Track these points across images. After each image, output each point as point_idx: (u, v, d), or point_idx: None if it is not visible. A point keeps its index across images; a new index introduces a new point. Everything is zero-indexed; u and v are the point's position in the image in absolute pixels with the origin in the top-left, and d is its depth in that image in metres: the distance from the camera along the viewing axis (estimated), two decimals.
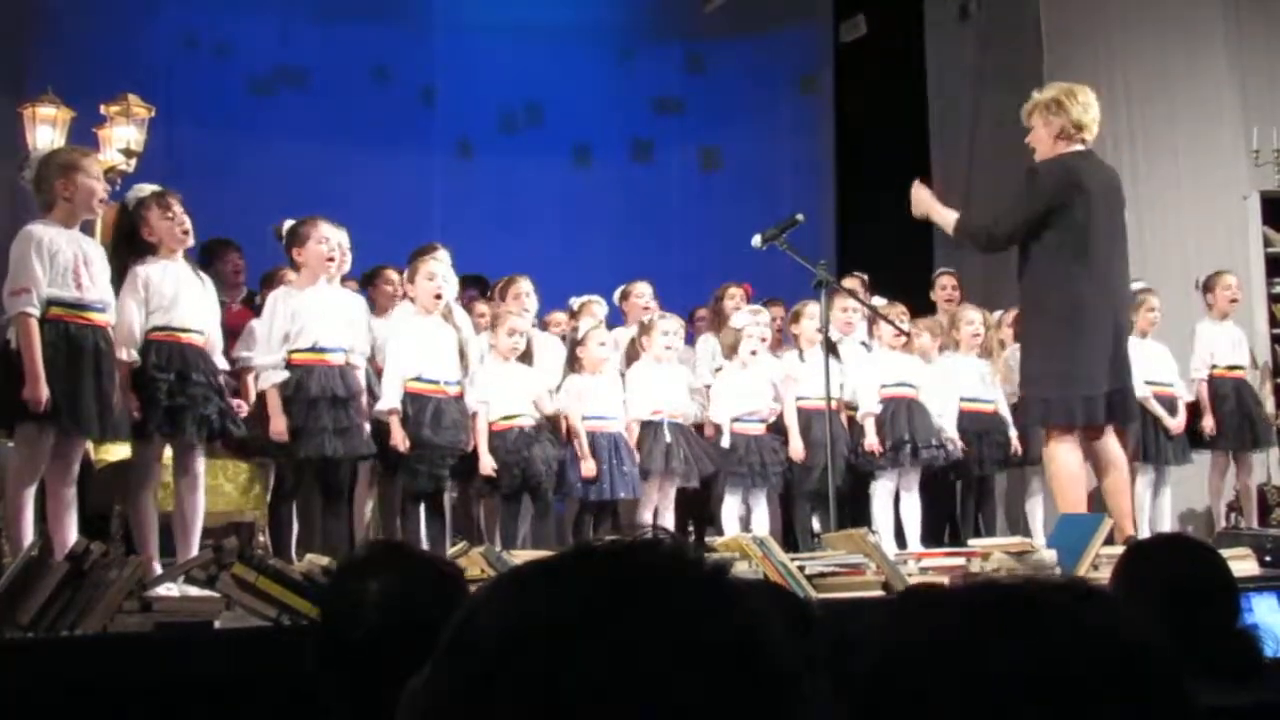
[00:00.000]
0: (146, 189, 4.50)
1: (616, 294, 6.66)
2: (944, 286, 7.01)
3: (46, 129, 6.45)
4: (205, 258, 5.93)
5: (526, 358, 5.61)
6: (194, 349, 4.42)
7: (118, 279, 4.38)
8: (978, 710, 0.86)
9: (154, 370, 4.30)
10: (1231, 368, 6.60)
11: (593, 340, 5.74)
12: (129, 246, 4.43)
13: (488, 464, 5.30)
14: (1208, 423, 6.47)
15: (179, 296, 4.40)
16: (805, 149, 10.36)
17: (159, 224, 4.42)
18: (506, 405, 5.42)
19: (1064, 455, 4.74)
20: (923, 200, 5.12)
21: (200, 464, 4.50)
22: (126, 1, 8.93)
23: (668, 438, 5.73)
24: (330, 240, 4.90)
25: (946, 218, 5.05)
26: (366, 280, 5.76)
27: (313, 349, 4.80)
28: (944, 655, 0.89)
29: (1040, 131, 4.84)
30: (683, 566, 0.74)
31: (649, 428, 5.77)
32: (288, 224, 4.99)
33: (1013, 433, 6.23)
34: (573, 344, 5.80)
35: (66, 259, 4.07)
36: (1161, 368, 6.36)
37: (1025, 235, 4.74)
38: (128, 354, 4.28)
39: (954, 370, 6.35)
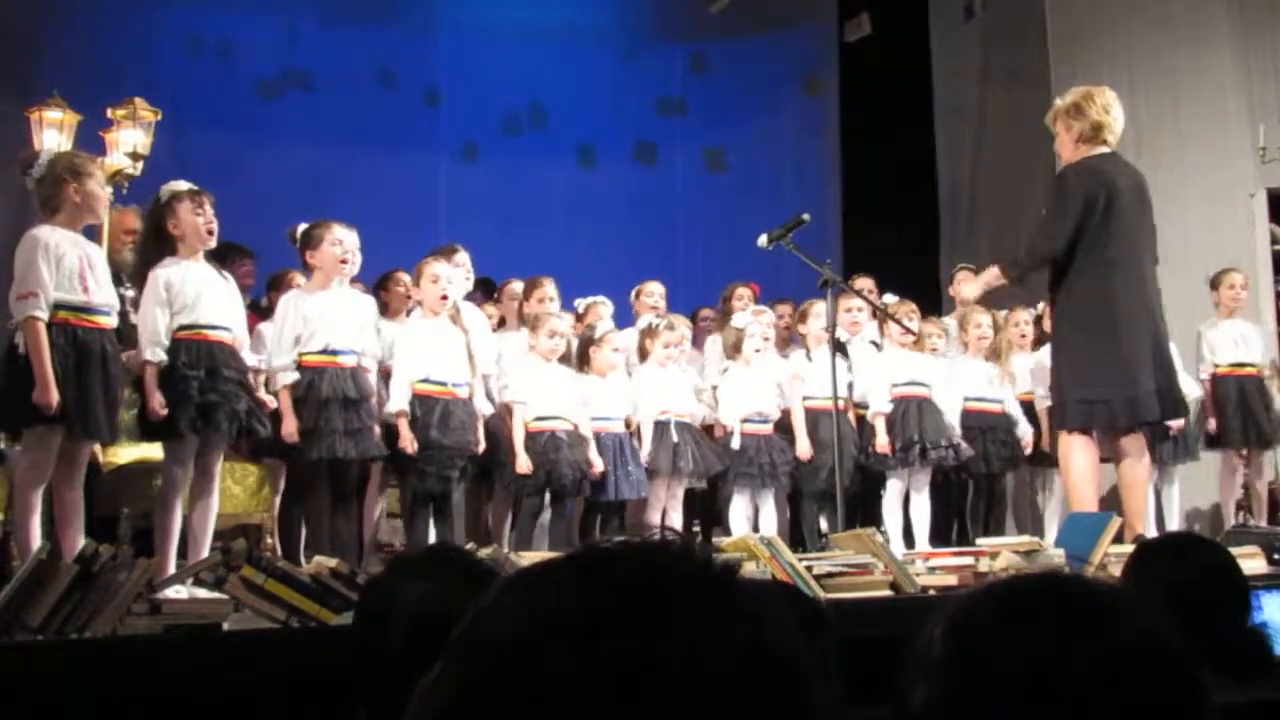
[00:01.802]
0: (183, 185, 4.51)
1: (632, 294, 6.65)
2: (963, 283, 6.99)
3: (53, 132, 6.46)
4: (217, 260, 5.94)
5: (569, 360, 5.61)
6: (222, 346, 4.43)
7: (141, 275, 4.38)
8: (996, 704, 0.86)
9: (184, 368, 4.30)
10: (1236, 365, 6.57)
11: (607, 345, 5.74)
12: (156, 241, 4.45)
13: (524, 463, 5.31)
14: (1210, 423, 6.45)
15: (202, 295, 4.41)
16: (810, 149, 10.36)
17: (187, 218, 4.43)
18: (542, 406, 5.42)
19: (1078, 454, 4.76)
20: (968, 284, 5.18)
21: (218, 468, 4.51)
22: (132, 5, 8.93)
23: (674, 437, 5.73)
24: (344, 242, 4.92)
25: (989, 275, 5.12)
26: (379, 284, 5.77)
27: (324, 351, 4.81)
28: (968, 646, 0.89)
29: (1063, 137, 4.88)
30: (692, 567, 0.75)
31: (656, 428, 5.77)
32: (301, 227, 5.00)
33: (1019, 431, 6.23)
34: (585, 343, 5.79)
35: (72, 262, 4.08)
36: None
37: (1070, 243, 4.73)
38: (154, 354, 4.29)
39: (960, 371, 6.35)
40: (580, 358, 5.76)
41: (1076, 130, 4.82)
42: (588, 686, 0.67)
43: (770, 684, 0.70)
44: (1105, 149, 4.82)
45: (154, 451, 4.73)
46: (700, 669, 0.68)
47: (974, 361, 6.36)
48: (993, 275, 5.16)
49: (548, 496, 5.49)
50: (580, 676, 0.67)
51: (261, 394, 4.76)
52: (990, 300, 6.78)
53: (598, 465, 5.48)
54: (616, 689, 0.67)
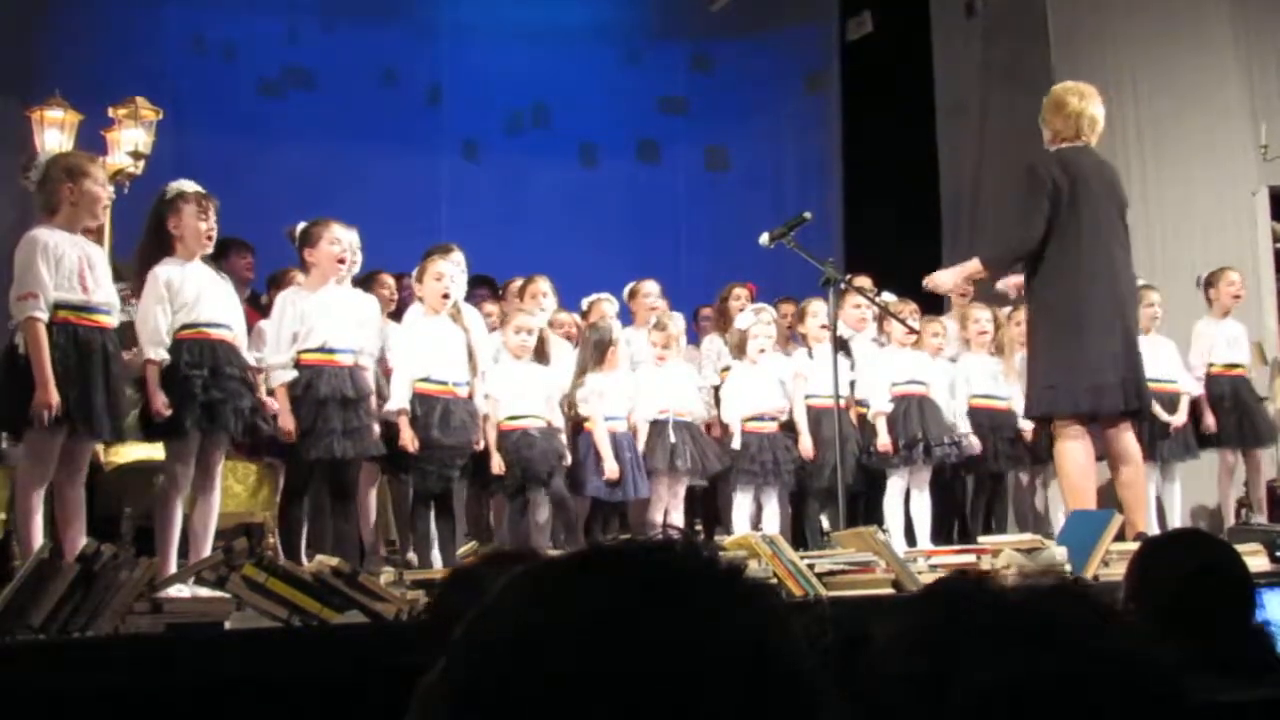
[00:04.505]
0: (191, 186, 4.51)
1: (625, 292, 6.65)
2: (938, 274, 6.97)
3: (55, 132, 6.46)
4: (216, 255, 5.96)
5: (542, 357, 5.60)
6: (224, 344, 4.43)
7: (140, 269, 4.38)
8: None
9: (187, 368, 4.30)
10: (1230, 365, 6.57)
11: (622, 346, 5.76)
12: (155, 238, 4.44)
13: (496, 462, 5.31)
14: (1208, 421, 6.45)
15: (202, 294, 4.41)
16: (811, 147, 10.35)
17: (190, 220, 4.43)
18: (513, 405, 5.41)
19: (1072, 451, 4.74)
20: (941, 281, 5.17)
21: (220, 466, 4.51)
22: (133, 5, 8.93)
23: (672, 437, 5.73)
24: (342, 241, 4.92)
25: (969, 266, 5.09)
26: (362, 284, 5.76)
27: (322, 349, 4.81)
28: (948, 667, 0.88)
29: (1045, 134, 4.89)
30: (698, 567, 0.74)
31: (654, 427, 5.77)
32: (300, 226, 5.00)
33: (1024, 425, 6.23)
34: (604, 344, 5.75)
35: (71, 262, 4.08)
36: (1164, 364, 6.34)
37: (1048, 227, 4.73)
38: (156, 354, 4.29)
39: (965, 368, 6.35)
40: (597, 357, 5.72)
41: (1054, 126, 4.84)
42: (589, 688, 0.67)
43: (775, 686, 0.70)
44: (1079, 143, 4.82)
45: (156, 451, 4.73)
46: (703, 670, 0.68)
47: (979, 358, 6.38)
48: (973, 267, 5.13)
49: (544, 494, 5.47)
50: (583, 678, 0.67)
51: (262, 393, 4.76)
52: (994, 296, 6.77)
53: (609, 465, 5.47)
54: (618, 690, 0.67)
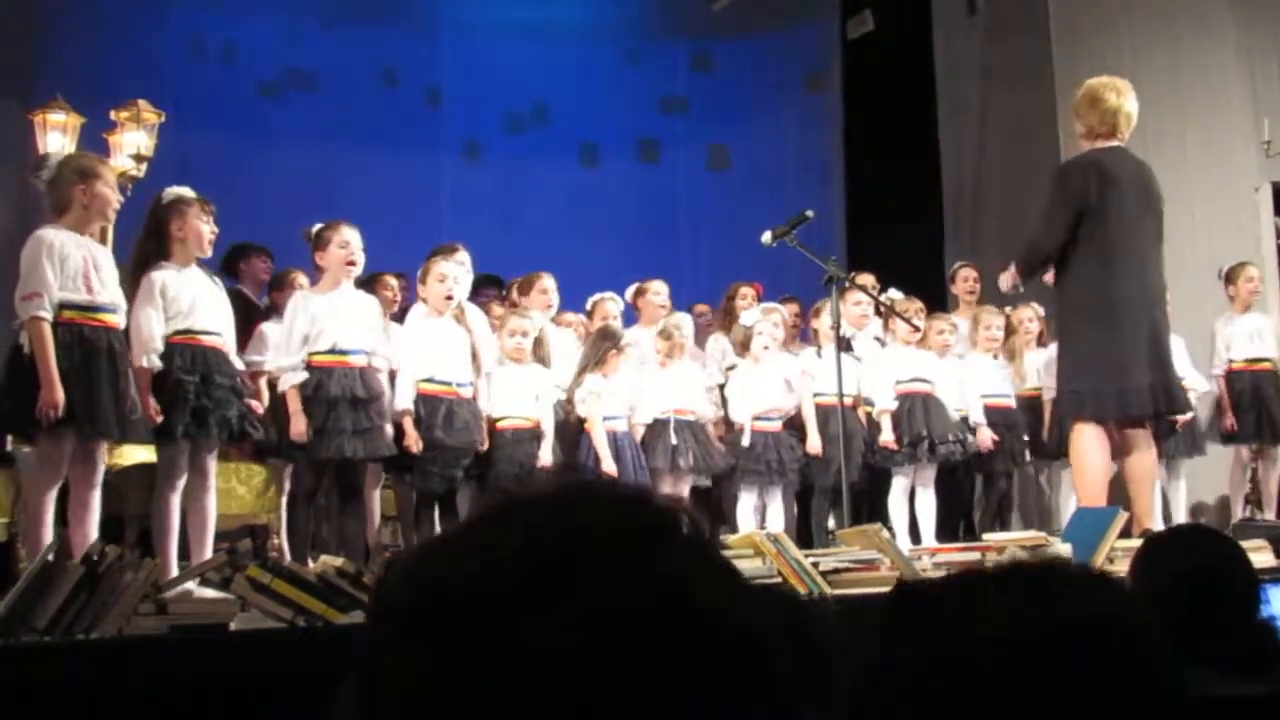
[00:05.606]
0: (189, 191, 4.52)
1: (630, 291, 6.63)
2: (965, 279, 6.96)
3: (57, 135, 6.47)
4: (232, 260, 6.00)
5: (541, 359, 5.58)
6: (216, 351, 4.44)
7: (136, 272, 4.40)
8: (948, 695, 0.83)
9: (180, 373, 4.32)
10: (1252, 360, 6.52)
11: (629, 350, 5.75)
12: (154, 243, 4.45)
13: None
14: (1226, 419, 6.42)
15: (197, 300, 4.43)
16: (813, 146, 10.35)
17: (194, 224, 4.44)
18: (500, 407, 5.40)
19: (1089, 447, 4.74)
20: (1002, 282, 5.13)
21: (213, 466, 4.52)
22: (134, 7, 8.94)
23: (674, 438, 5.72)
24: (351, 243, 4.92)
25: (1014, 269, 5.04)
26: (365, 285, 5.77)
27: (332, 351, 4.81)
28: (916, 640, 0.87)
29: (1078, 128, 4.87)
30: (602, 517, 0.68)
31: (656, 426, 5.77)
32: (315, 228, 5.01)
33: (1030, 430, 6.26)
34: (608, 347, 5.72)
35: (77, 263, 4.09)
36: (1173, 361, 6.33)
37: (1069, 236, 4.72)
38: (148, 360, 4.30)
39: (974, 368, 6.35)
40: (599, 358, 5.71)
41: (1087, 122, 4.81)
42: (494, 659, 0.62)
43: (691, 642, 0.64)
44: (1114, 142, 4.80)
45: None
46: (605, 641, 0.62)
47: (984, 359, 6.37)
48: (1015, 269, 5.09)
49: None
50: (457, 632, 0.63)
51: (263, 398, 4.76)
52: (1001, 299, 6.77)
53: (606, 466, 5.46)
54: (525, 661, 0.62)
